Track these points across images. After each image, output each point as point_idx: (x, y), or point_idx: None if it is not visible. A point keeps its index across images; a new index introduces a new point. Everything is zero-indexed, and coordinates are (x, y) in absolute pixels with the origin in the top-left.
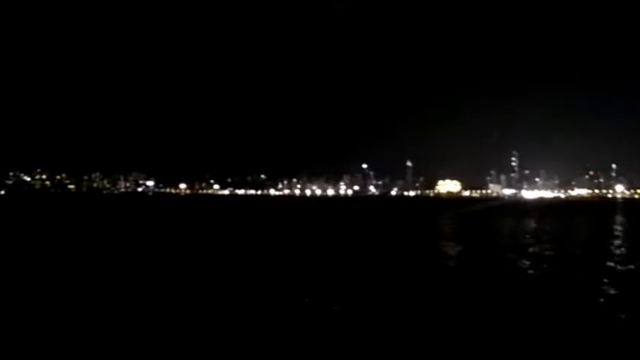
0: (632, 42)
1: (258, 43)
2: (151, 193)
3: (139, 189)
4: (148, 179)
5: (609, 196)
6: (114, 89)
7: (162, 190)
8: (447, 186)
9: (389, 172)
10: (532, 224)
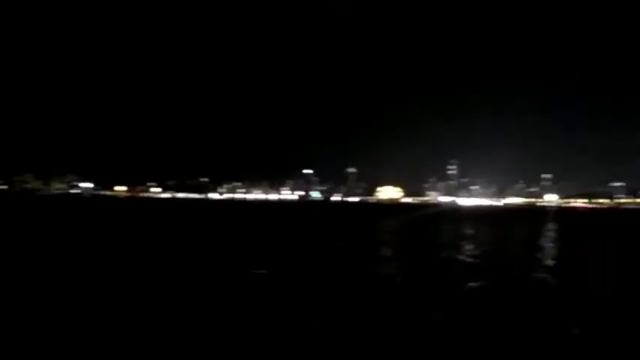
0: (571, 55)
1: (207, 42)
2: (87, 196)
3: (74, 191)
4: (84, 181)
5: (540, 204)
6: (49, 90)
7: (100, 192)
8: (388, 192)
9: (332, 177)
10: (470, 231)
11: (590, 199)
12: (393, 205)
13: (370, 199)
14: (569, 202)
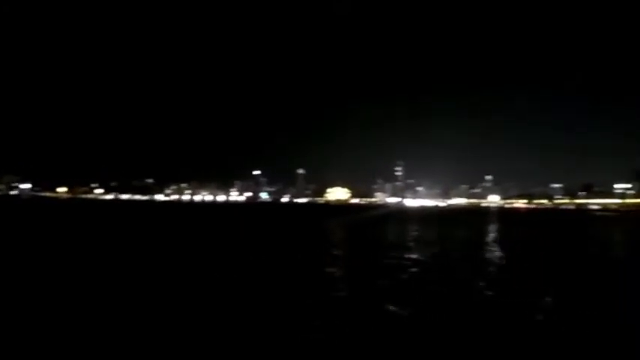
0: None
1: (158, 41)
2: (26, 197)
3: (13, 192)
4: (24, 182)
5: (483, 205)
6: None
7: (40, 193)
8: (337, 193)
9: (281, 179)
10: (416, 232)
11: (530, 200)
12: (341, 206)
13: (319, 200)
14: (511, 203)
